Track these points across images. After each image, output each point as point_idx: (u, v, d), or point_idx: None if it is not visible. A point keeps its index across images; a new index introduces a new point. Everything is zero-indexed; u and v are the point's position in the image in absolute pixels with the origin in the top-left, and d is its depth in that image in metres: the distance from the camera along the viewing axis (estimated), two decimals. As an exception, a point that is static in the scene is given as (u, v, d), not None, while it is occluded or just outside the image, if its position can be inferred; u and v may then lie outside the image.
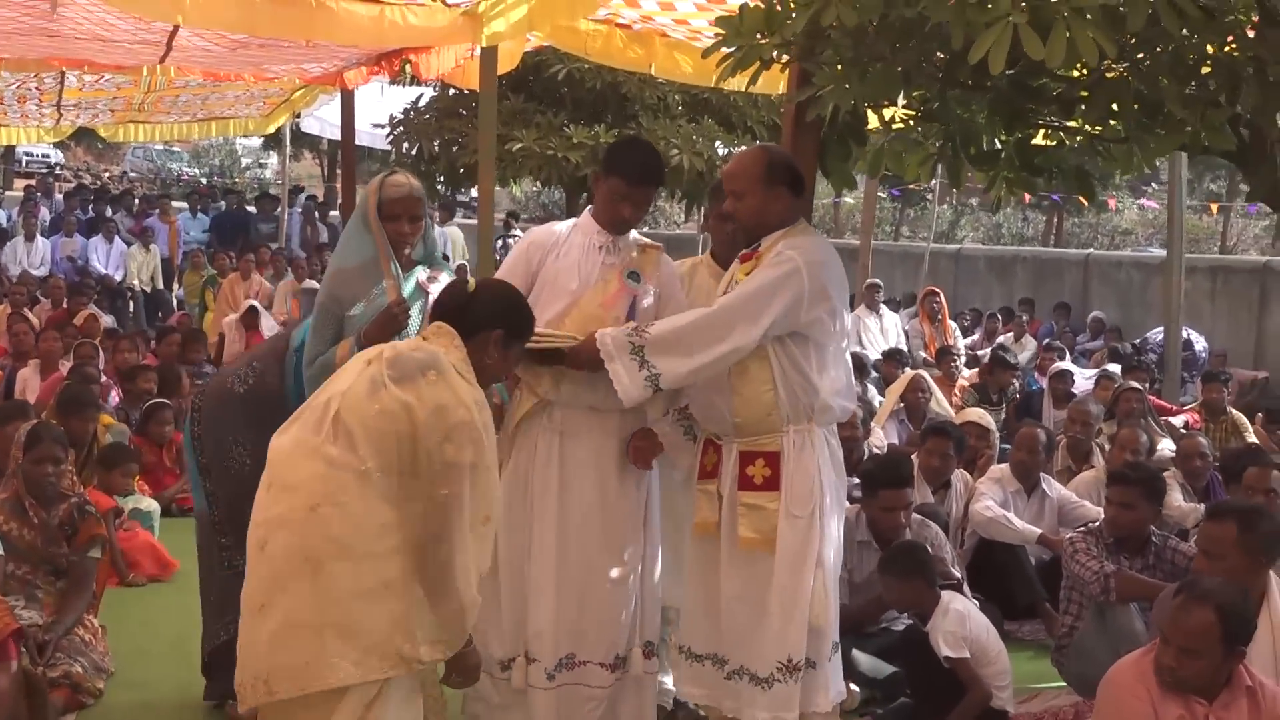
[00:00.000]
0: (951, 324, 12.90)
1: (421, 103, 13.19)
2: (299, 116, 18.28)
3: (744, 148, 11.72)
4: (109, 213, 18.41)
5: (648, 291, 4.22)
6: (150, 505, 6.91)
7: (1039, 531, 6.06)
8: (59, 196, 21.24)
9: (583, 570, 4.15)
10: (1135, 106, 3.88)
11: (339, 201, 19.72)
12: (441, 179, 12.70)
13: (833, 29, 3.74)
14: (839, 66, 3.89)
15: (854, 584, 5.36)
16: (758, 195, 4.00)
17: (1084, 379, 10.22)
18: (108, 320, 12.04)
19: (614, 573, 4.18)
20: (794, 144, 4.47)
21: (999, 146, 4.45)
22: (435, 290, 4.23)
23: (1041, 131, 4.56)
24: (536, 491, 4.18)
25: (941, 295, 13.07)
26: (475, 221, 10.70)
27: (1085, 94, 4.01)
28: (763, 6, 3.83)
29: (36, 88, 13.15)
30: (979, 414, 7.47)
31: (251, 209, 19.37)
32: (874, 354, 11.16)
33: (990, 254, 19.53)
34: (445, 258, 7.16)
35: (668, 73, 8.57)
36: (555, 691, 4.12)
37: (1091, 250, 20.75)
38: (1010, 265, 17.73)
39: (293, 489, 3.16)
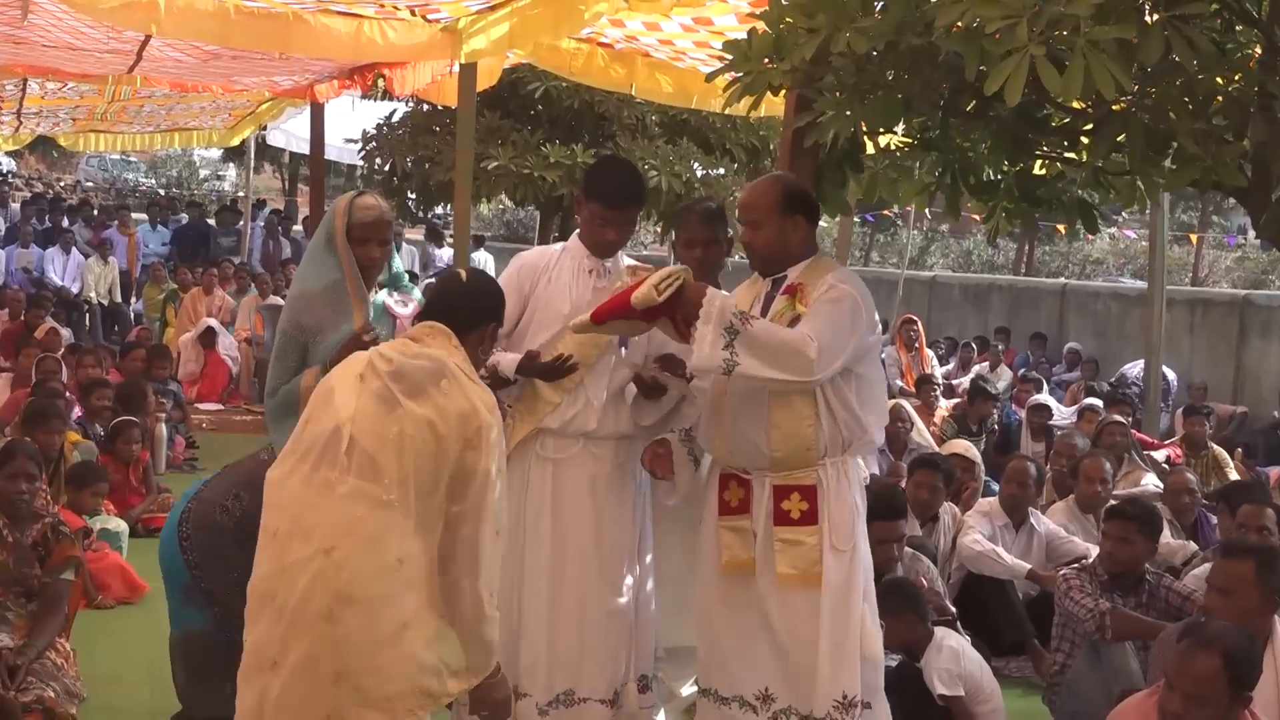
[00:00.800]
0: (929, 352, 12.65)
1: (395, 118, 13.04)
2: (265, 129, 18.09)
3: (721, 170, 11.91)
4: (66, 223, 18.10)
5: None
6: (119, 526, 6.76)
7: (1029, 566, 5.95)
8: (15, 206, 20.90)
9: (578, 601, 4.06)
10: (1143, 140, 3.83)
11: (301, 216, 19.54)
12: (413, 196, 12.56)
13: (839, 55, 3.67)
14: (839, 93, 3.82)
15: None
16: (774, 225, 3.90)
17: (1062, 417, 10.15)
18: (65, 334, 11.83)
19: (610, 604, 4.08)
20: (790, 170, 4.41)
21: (999, 177, 4.40)
22: (404, 314, 4.12)
23: (1039, 162, 4.50)
24: (529, 521, 4.09)
25: (919, 323, 12.70)
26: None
27: (1089, 126, 3.96)
28: (771, 33, 3.75)
29: (-2, 95, 12.98)
30: (965, 446, 7.36)
31: (212, 222, 19.09)
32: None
33: (965, 281, 19.46)
34: (413, 276, 7.06)
35: (648, 93, 8.50)
36: (546, 728, 4.01)
37: (1068, 280, 20.68)
38: (985, 294, 17.61)
39: (306, 533, 3.02)
